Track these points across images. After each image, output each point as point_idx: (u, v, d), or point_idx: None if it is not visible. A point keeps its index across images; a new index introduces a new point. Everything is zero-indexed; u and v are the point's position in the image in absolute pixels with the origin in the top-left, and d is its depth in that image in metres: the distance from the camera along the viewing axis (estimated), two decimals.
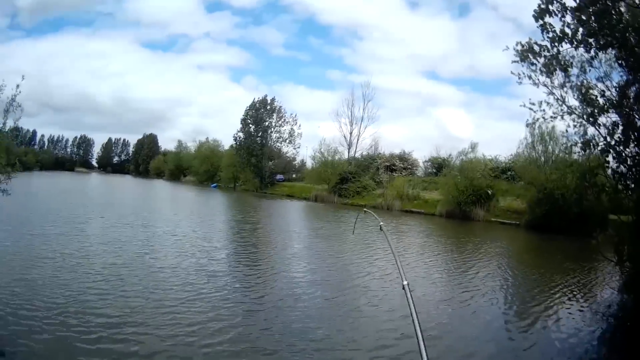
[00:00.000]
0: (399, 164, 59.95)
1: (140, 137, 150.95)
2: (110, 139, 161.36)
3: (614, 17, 11.11)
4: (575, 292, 13.77)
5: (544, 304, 12.43)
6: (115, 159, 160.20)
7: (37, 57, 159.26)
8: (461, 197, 37.56)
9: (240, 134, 77.51)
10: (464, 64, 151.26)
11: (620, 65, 12.17)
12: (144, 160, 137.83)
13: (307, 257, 17.36)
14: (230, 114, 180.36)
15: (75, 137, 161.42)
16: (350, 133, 65.55)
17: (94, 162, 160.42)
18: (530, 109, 14.98)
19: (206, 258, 15.32)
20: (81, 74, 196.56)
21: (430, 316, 10.27)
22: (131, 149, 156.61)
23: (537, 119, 15.63)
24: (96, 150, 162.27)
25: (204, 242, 18.76)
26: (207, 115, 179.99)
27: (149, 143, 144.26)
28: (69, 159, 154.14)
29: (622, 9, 11.41)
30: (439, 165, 55.05)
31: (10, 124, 10.00)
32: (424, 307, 10.94)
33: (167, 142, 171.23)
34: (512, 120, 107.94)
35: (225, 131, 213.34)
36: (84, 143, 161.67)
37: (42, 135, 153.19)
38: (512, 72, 14.92)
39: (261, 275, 13.70)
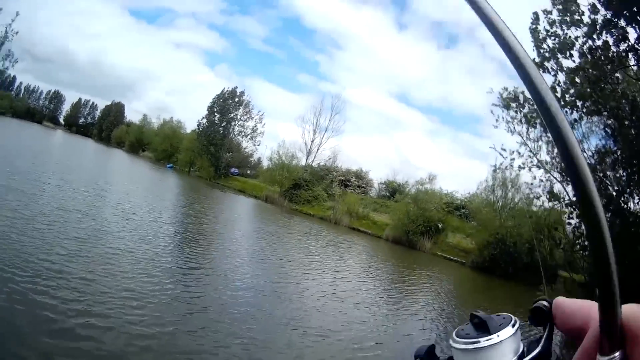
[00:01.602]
0: (354, 181, 60.28)
1: (109, 103, 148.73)
2: (80, 100, 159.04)
3: (609, 85, 11.57)
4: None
5: None
6: (82, 120, 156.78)
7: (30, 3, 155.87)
8: (410, 226, 37.97)
9: (205, 121, 76.61)
10: (437, 93, 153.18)
11: (607, 133, 12.61)
12: (108, 127, 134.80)
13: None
14: (196, 97, 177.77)
15: (49, 91, 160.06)
16: (312, 141, 66.35)
17: (62, 119, 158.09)
18: (500, 154, 15.37)
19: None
20: (66, 28, 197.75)
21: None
22: (98, 113, 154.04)
23: (505, 166, 15.95)
24: (65, 108, 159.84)
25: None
26: (173, 94, 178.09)
27: (115, 111, 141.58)
28: (40, 111, 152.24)
29: (619, 77, 11.95)
30: (393, 190, 55.60)
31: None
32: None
33: (132, 114, 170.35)
34: (475, 158, 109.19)
35: (188, 113, 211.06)
36: (56, 98, 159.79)
37: (20, 83, 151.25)
38: (491, 112, 15.31)
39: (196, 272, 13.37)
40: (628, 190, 11.53)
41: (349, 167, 64.32)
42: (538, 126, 14.75)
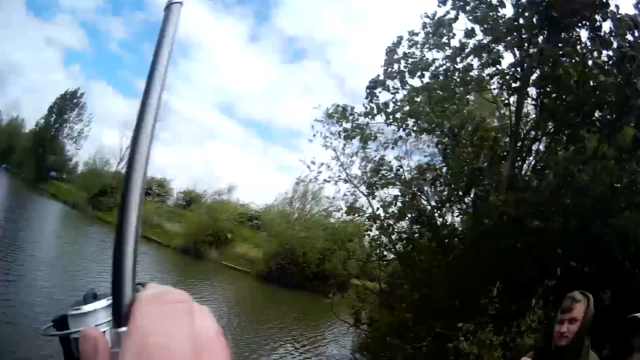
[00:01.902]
0: (155, 189, 58.20)
1: None
2: None
3: (454, 106, 11.84)
4: (304, 347, 14.43)
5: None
6: None
7: None
8: (199, 236, 36.88)
9: (42, 120, 70.77)
10: (264, 107, 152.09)
11: (439, 150, 12.87)
12: None
13: None
14: (50, 96, 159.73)
15: None
16: (127, 147, 63.02)
17: None
18: (308, 167, 15.09)
19: None
20: None
21: None
22: None
23: (310, 179, 15.74)
24: None
25: None
26: (31, 91, 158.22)
27: None
28: None
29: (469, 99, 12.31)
30: (190, 199, 54.40)
31: None
32: None
33: None
34: (284, 172, 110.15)
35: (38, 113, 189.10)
36: None
37: None
38: (315, 134, 14.92)
39: None
40: (447, 204, 11.84)
41: (154, 175, 61.82)
42: (355, 142, 14.62)
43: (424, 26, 12.32)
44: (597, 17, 9.10)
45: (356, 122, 13.83)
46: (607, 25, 9.03)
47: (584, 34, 9.71)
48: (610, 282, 8.20)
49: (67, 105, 71.80)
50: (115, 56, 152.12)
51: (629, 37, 8.34)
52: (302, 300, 23.93)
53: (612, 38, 8.55)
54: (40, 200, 49.13)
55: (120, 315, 0.49)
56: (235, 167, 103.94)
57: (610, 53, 8.65)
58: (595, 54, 8.58)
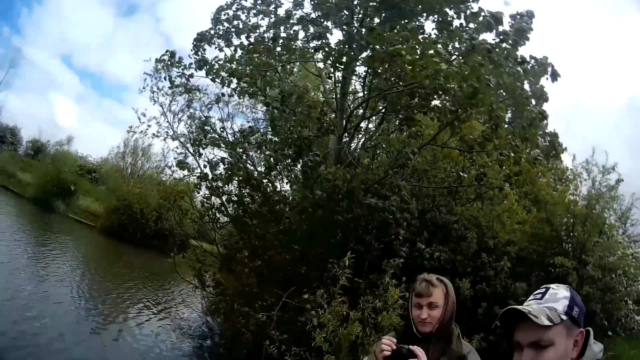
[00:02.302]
0: (9, 138, 50.93)
1: None
2: None
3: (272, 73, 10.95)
4: (157, 308, 13.12)
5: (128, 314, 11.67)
6: None
7: None
8: (47, 186, 32.57)
9: None
10: (97, 59, 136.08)
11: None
12: None
13: None
14: None
15: None
16: None
17: None
18: (139, 118, 14.16)
19: None
20: None
21: None
22: None
23: (140, 130, 14.70)
24: None
25: None
26: None
27: None
28: None
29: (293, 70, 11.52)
30: (37, 149, 48.46)
31: None
32: None
33: None
34: (114, 125, 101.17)
35: None
36: None
37: None
38: (144, 87, 13.46)
39: None
40: (275, 171, 10.94)
41: (7, 123, 53.78)
42: (182, 99, 13.64)
43: None
44: (449, 12, 8.69)
45: (181, 73, 12.62)
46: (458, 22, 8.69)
47: (429, 26, 9.30)
48: (466, 271, 8.03)
49: None
50: None
51: (487, 34, 7.79)
52: (147, 258, 22.14)
53: (463, 33, 7.98)
54: None
55: None
56: (73, 118, 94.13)
57: (457, 45, 8.09)
58: (439, 46, 7.77)
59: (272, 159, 10.39)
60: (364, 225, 8.13)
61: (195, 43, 11.56)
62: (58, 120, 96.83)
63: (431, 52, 7.06)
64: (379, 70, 8.62)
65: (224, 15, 11.46)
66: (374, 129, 11.49)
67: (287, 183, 11.89)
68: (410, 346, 2.14)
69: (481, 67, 6.74)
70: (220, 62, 11.35)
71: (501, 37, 7.44)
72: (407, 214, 8.12)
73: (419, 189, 8.91)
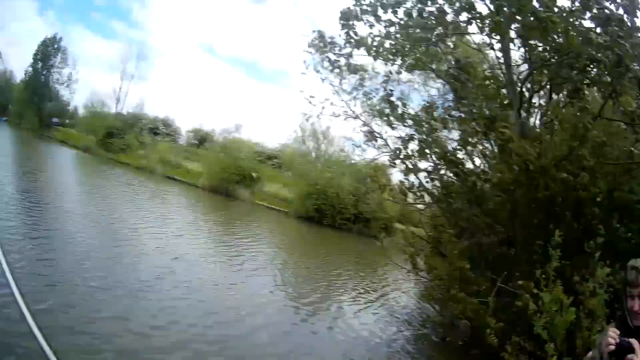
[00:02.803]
0: (163, 129, 57.99)
1: None
2: None
3: (438, 47, 11.33)
4: (372, 295, 14.14)
5: (341, 302, 12.80)
6: None
7: None
8: (223, 174, 36.60)
9: (30, 69, 68.55)
10: (246, 46, 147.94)
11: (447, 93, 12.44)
12: None
13: None
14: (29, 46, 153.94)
15: None
16: (120, 89, 62.90)
17: None
18: (309, 101, 14.41)
19: None
20: None
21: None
22: None
23: (316, 114, 15.07)
24: None
25: None
26: (13, 44, 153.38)
27: None
28: None
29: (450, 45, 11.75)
30: (201, 138, 54.22)
31: None
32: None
33: None
34: (283, 110, 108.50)
35: (23, 64, 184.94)
36: None
37: None
38: (307, 66, 14.22)
39: None
40: (469, 147, 11.47)
41: (157, 115, 61.55)
42: (351, 78, 14.13)
43: None
44: None
45: (338, 53, 13.35)
46: None
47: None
48: None
49: (49, 51, 70.12)
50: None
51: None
52: (350, 241, 24.11)
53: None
54: (52, 147, 49.51)
55: None
56: (235, 106, 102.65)
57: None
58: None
59: (464, 133, 11.07)
60: (560, 203, 8.47)
61: (342, 22, 12.16)
62: (218, 110, 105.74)
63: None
64: (535, 42, 8.88)
65: None
66: (543, 103, 11.28)
67: (480, 160, 12.04)
68: (630, 339, 2.18)
69: (620, 38, 7.10)
70: (378, 39, 11.72)
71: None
72: (598, 191, 8.26)
73: (600, 166, 8.64)
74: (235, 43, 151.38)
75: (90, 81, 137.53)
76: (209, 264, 13.53)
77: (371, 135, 13.80)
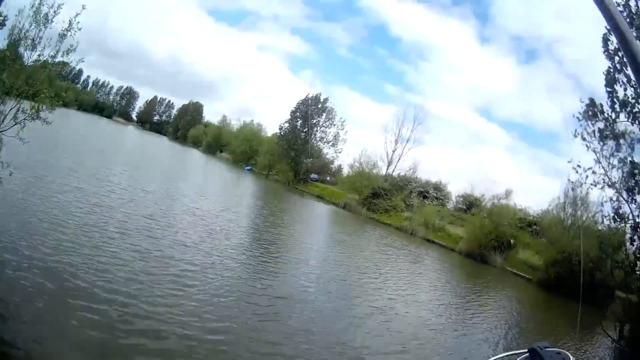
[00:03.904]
0: (432, 193, 59.52)
1: (186, 102, 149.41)
2: (155, 97, 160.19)
3: None
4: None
5: None
6: (156, 117, 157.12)
7: None
8: (483, 240, 37.14)
9: (287, 125, 76.93)
10: (518, 109, 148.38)
11: None
12: (184, 125, 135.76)
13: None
14: (279, 102, 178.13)
15: (121, 87, 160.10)
16: (393, 151, 66.80)
17: (134, 116, 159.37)
18: (576, 170, 14.75)
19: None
20: (139, 24, 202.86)
21: None
22: (174, 111, 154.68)
23: (580, 183, 15.38)
24: (138, 105, 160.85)
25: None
26: (256, 98, 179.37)
27: (193, 110, 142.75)
28: (109, 106, 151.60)
29: None
30: (470, 203, 54.59)
31: (60, 57, 10.01)
32: None
33: (210, 114, 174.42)
34: (549, 175, 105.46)
35: (269, 118, 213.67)
36: (128, 94, 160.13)
37: (88, 76, 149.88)
38: (575, 132, 14.59)
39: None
40: None
41: (428, 179, 63.54)
42: (611, 141, 14.12)
43: None
44: None
45: (606, 119, 13.50)
46: None
47: None
48: None
49: (311, 109, 76.04)
50: (349, 60, 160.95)
51: None
52: (573, 309, 23.03)
53: None
54: (306, 200, 52.52)
55: None
56: (505, 171, 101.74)
57: None
58: None
59: None
60: None
61: (608, 88, 12.40)
62: (489, 174, 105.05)
63: None
64: None
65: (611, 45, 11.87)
66: None
67: None
68: None
69: None
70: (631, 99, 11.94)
71: None
72: None
73: None
74: (510, 105, 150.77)
75: (359, 142, 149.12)
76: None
77: (618, 215, 13.78)
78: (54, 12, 9.27)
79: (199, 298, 9.29)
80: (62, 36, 9.27)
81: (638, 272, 12.58)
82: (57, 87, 10.19)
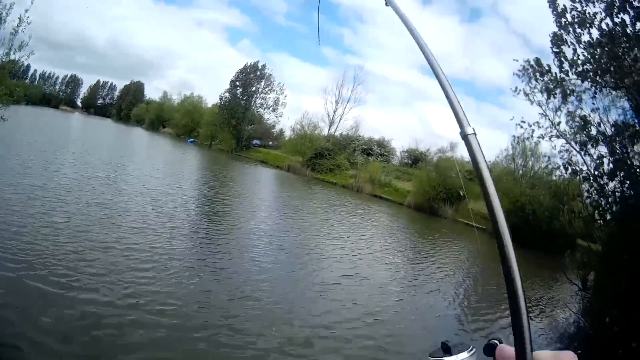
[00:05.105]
0: (376, 149, 60.49)
1: (128, 83, 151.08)
2: (98, 81, 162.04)
3: (627, 61, 11.42)
4: (538, 307, 14.78)
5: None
6: (100, 101, 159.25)
7: None
8: (432, 193, 38.04)
9: (227, 94, 77.81)
10: (461, 66, 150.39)
11: (632, 107, 12.46)
12: (127, 106, 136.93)
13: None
14: (218, 74, 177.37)
15: (66, 76, 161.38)
16: (334, 112, 67.72)
17: (79, 102, 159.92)
18: (521, 126, 15.23)
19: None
20: (83, 14, 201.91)
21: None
22: (117, 93, 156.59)
23: (526, 137, 15.88)
24: (83, 91, 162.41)
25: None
26: (195, 71, 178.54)
27: (134, 90, 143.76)
28: (56, 96, 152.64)
29: (638, 55, 11.74)
30: (415, 158, 55.67)
31: (12, 55, 9.94)
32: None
33: (152, 92, 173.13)
34: (497, 129, 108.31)
35: (210, 90, 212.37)
36: (73, 82, 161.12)
37: (35, 70, 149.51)
38: (516, 89, 15.11)
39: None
40: None
41: (371, 136, 64.42)
42: (558, 96, 14.50)
43: None
44: None
45: (556, 80, 13.86)
46: None
47: None
48: None
49: (250, 78, 77.53)
50: (286, 28, 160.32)
51: None
52: (534, 258, 23.91)
53: None
54: (249, 166, 53.11)
55: None
56: (451, 126, 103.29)
57: None
58: None
59: None
60: None
61: (554, 48, 12.80)
62: (434, 129, 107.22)
63: None
64: None
65: (559, 7, 12.23)
66: None
67: None
68: None
69: None
70: (580, 59, 12.26)
71: None
72: None
73: None
74: (453, 63, 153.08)
75: (301, 106, 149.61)
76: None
77: (568, 164, 14.21)
78: (7, 13, 9.14)
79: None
80: (14, 33, 9.16)
81: (600, 222, 13.04)
82: (10, 85, 10.07)
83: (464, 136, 0.99)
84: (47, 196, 13.91)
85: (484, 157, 0.94)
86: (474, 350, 0.91)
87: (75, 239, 10.60)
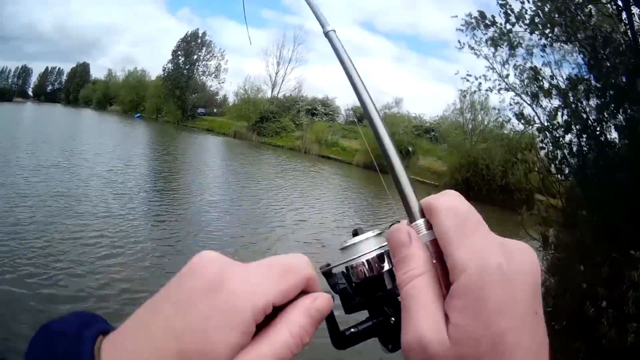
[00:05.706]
0: (321, 109, 60.14)
1: (74, 65, 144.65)
2: (47, 68, 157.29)
3: (580, 16, 11.36)
4: None
5: None
6: (49, 88, 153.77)
7: None
8: (378, 150, 37.78)
9: (170, 65, 76.01)
10: (403, 19, 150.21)
11: (583, 61, 12.43)
12: (74, 89, 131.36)
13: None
14: (161, 45, 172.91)
15: (17, 68, 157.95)
16: (276, 73, 67.30)
17: (30, 92, 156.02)
18: (467, 79, 15.12)
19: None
20: (30, 3, 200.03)
21: None
22: (64, 77, 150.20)
23: (473, 90, 15.81)
24: (33, 80, 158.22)
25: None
26: (138, 45, 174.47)
27: (80, 72, 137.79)
28: (9, 89, 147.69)
29: (591, 11, 11.68)
30: (360, 115, 55.38)
31: None
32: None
33: (98, 71, 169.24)
34: (443, 82, 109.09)
35: (154, 63, 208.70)
36: (24, 73, 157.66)
37: None
38: (460, 43, 15.02)
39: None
40: (605, 120, 11.47)
41: (315, 96, 63.92)
42: (505, 48, 14.39)
43: None
44: None
45: (498, 29, 13.80)
46: None
47: None
48: None
49: (191, 46, 76.57)
50: None
51: None
52: (492, 214, 24.33)
53: None
54: (196, 136, 52.57)
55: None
56: (396, 81, 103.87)
57: None
58: None
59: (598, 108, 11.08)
60: None
61: (499, 1, 12.59)
62: (378, 85, 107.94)
63: None
64: None
65: None
66: None
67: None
68: None
69: None
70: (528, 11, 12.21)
71: None
72: None
73: None
74: (396, 18, 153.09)
75: (243, 70, 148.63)
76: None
77: (520, 115, 14.20)
78: None
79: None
80: None
81: (557, 175, 13.07)
82: None
83: (326, 33, 0.97)
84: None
85: (346, 53, 0.92)
86: (379, 232, 0.76)
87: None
